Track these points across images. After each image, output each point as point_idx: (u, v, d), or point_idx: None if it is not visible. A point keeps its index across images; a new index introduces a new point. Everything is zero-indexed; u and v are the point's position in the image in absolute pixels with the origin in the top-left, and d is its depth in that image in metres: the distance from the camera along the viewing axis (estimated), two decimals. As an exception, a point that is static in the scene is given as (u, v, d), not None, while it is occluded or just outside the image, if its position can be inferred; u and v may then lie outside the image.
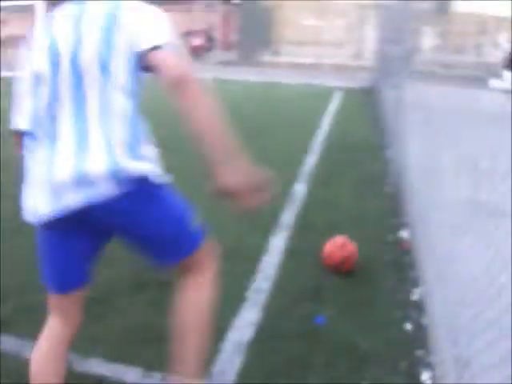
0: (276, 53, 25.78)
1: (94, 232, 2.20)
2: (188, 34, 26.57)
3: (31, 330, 2.65)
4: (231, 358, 3.07)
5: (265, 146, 8.04)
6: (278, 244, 4.59)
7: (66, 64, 2.02)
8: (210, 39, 24.73)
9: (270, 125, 9.91)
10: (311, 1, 24.36)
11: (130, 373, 2.92)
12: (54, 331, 2.34)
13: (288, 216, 5.25)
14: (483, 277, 2.14)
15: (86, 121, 2.02)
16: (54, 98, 2.05)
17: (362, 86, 15.72)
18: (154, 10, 2.09)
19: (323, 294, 3.79)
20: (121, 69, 2.02)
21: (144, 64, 2.03)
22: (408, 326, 3.43)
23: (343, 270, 4.05)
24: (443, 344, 2.80)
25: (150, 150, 2.12)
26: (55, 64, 2.04)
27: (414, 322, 3.47)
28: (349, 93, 14.86)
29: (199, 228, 2.30)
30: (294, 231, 4.88)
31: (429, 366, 3.00)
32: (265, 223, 5.00)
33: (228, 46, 24.60)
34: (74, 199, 2.00)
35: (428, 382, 2.91)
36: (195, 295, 2.35)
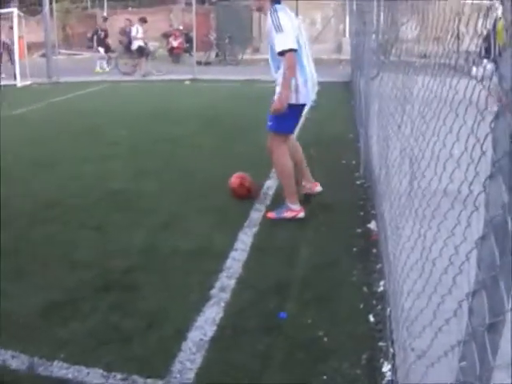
0: (255, 50, 25.71)
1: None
2: (166, 35, 26.47)
3: None
4: (192, 356, 3.06)
5: (240, 144, 8.03)
6: (245, 241, 4.57)
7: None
8: (188, 40, 24.56)
9: (246, 123, 9.87)
10: (288, -3, 24.32)
11: (91, 374, 2.91)
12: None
13: (258, 212, 5.24)
14: (418, 264, 2.13)
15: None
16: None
17: (342, 80, 15.68)
18: None
19: (288, 289, 3.77)
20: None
21: None
22: (371, 318, 3.42)
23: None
24: (401, 334, 2.79)
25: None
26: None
27: (378, 313, 3.46)
28: (329, 87, 14.79)
29: None
30: (262, 227, 4.87)
31: (390, 357, 2.99)
32: (234, 220, 4.98)
33: (206, 46, 24.46)
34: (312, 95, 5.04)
35: (388, 373, 2.90)
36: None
